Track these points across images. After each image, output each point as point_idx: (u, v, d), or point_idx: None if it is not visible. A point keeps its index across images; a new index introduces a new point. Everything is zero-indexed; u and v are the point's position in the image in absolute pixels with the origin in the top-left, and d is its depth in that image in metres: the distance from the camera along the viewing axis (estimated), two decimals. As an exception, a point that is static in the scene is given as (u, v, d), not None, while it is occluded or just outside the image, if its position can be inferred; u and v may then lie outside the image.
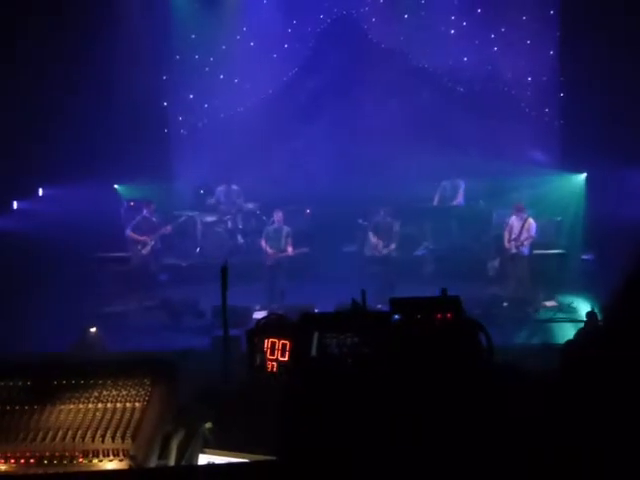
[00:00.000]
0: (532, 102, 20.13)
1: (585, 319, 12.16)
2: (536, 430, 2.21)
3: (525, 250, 15.70)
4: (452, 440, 2.25)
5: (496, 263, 16.41)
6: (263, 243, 16.11)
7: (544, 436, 2.18)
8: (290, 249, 15.93)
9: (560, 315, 14.58)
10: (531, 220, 15.73)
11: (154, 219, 16.78)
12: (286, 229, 16.09)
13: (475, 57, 19.91)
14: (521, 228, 15.64)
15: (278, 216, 16.17)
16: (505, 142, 18.71)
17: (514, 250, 15.67)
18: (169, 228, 17.03)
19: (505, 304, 14.56)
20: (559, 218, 17.60)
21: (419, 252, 17.93)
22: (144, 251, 16.48)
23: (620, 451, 2.08)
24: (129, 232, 16.64)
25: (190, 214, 19.04)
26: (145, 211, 16.80)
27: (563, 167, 18.52)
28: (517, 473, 2.11)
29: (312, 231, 18.14)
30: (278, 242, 15.93)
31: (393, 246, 16.10)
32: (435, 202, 18.62)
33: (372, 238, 16.32)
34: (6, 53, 14.76)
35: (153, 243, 16.60)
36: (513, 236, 15.69)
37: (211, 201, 19.40)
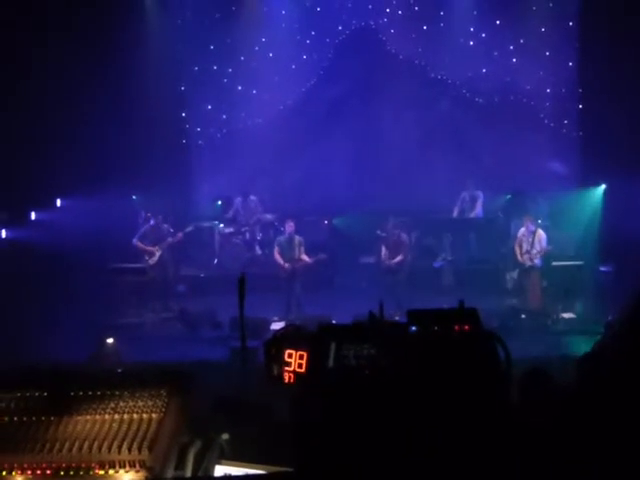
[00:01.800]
0: (551, 114, 20.09)
1: (603, 331, 12.11)
2: (552, 444, 2.19)
3: (539, 262, 15.66)
4: (469, 453, 2.24)
5: (514, 275, 16.33)
6: (276, 254, 16.04)
7: (560, 450, 2.17)
8: (305, 257, 15.89)
9: (578, 327, 14.50)
10: (541, 231, 15.72)
11: (167, 227, 16.71)
12: (298, 238, 15.98)
13: (494, 68, 19.93)
14: (533, 240, 15.59)
15: (290, 226, 16.10)
16: (524, 153, 18.66)
17: (529, 263, 15.62)
18: (180, 235, 16.82)
19: (523, 316, 14.51)
20: (577, 229, 17.54)
21: (437, 264, 17.89)
22: (151, 261, 16.39)
23: (630, 467, 2.07)
24: (135, 241, 16.49)
25: (205, 224, 19.11)
26: (152, 221, 16.72)
27: (582, 179, 18.48)
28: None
29: (330, 242, 18.15)
30: (291, 251, 15.82)
31: (399, 258, 15.94)
32: (455, 214, 18.59)
33: (382, 249, 16.31)
34: (22, 66, 14.81)
35: (160, 253, 16.47)
36: (526, 248, 15.64)
37: (229, 212, 19.44)
